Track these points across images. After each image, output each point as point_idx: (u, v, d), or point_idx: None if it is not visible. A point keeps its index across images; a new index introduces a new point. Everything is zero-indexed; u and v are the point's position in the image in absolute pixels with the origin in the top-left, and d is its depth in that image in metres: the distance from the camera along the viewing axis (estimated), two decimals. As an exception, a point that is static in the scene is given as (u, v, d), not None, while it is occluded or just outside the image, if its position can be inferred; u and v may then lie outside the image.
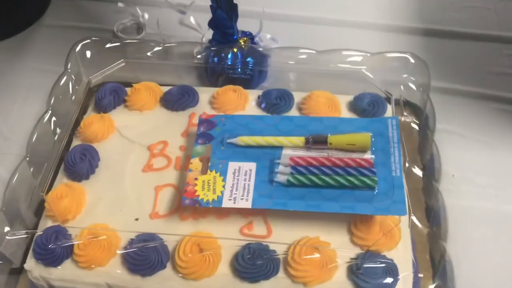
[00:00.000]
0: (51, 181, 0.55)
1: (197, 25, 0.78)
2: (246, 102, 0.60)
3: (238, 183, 0.50)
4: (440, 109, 0.60)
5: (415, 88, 0.60)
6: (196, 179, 0.51)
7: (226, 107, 0.60)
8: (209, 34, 0.71)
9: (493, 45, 0.75)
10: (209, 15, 0.65)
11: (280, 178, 0.50)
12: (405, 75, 0.60)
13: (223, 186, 0.50)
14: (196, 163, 0.53)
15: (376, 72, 0.59)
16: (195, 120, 0.59)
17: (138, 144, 0.58)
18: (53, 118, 0.60)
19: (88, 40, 0.65)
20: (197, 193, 0.50)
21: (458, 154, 0.62)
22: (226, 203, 0.49)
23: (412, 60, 0.60)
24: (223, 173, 0.51)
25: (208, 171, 0.51)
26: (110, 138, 0.59)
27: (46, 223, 0.53)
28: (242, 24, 0.68)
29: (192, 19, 0.78)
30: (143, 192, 0.54)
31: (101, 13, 0.84)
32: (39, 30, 0.83)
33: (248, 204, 0.49)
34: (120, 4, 0.83)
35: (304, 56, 0.61)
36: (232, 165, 0.52)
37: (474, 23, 0.77)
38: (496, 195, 0.60)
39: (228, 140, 0.54)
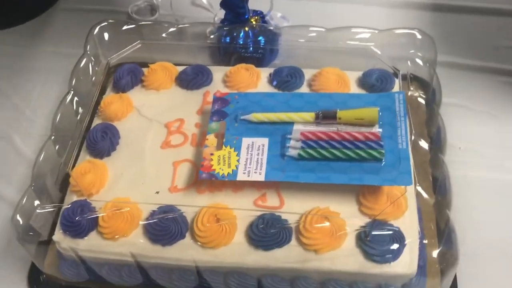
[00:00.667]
0: (75, 159, 0.58)
1: (209, 5, 0.80)
2: (258, 80, 0.63)
3: (251, 158, 0.53)
4: (447, 83, 0.62)
5: (422, 64, 0.62)
6: (212, 154, 0.54)
7: (239, 85, 0.62)
8: (221, 13, 0.73)
9: (500, 19, 0.76)
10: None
11: (292, 152, 0.53)
12: (412, 51, 0.62)
13: (238, 161, 0.53)
14: (211, 139, 0.55)
15: (384, 48, 0.61)
16: (210, 98, 0.61)
17: (156, 122, 0.61)
18: (75, 99, 0.63)
19: (105, 23, 0.67)
20: (213, 168, 0.53)
21: (465, 127, 0.64)
22: (241, 176, 0.52)
23: (419, 36, 0.62)
24: (237, 148, 0.54)
25: (223, 146, 0.54)
26: (129, 116, 0.62)
27: (71, 198, 0.56)
28: (253, 3, 0.70)
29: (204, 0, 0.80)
30: (162, 168, 0.57)
31: (116, -5, 0.86)
32: (56, 14, 0.86)
33: (261, 177, 0.52)
34: (134, -14, 0.86)
35: (314, 34, 0.63)
36: (246, 141, 0.54)
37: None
38: (501, 165, 0.62)
39: (242, 117, 0.56)
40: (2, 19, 0.82)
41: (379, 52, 0.61)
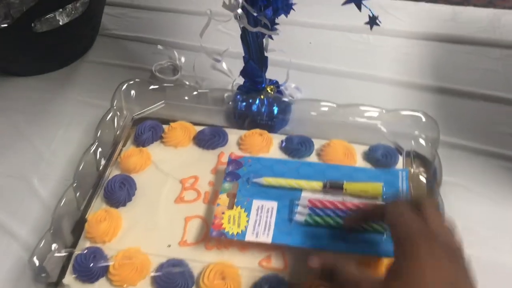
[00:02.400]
0: (92, 206, 0.61)
1: (228, 71, 0.85)
2: (270, 145, 0.67)
3: (260, 220, 0.56)
4: (447, 163, 0.65)
5: (424, 144, 0.66)
6: (223, 213, 0.57)
7: (252, 149, 0.66)
8: (239, 79, 0.78)
9: (500, 106, 0.81)
10: (239, 61, 0.72)
11: (299, 217, 0.56)
12: (416, 132, 0.66)
13: (247, 221, 0.56)
14: (223, 198, 0.59)
15: (390, 126, 0.65)
16: (224, 159, 0.65)
17: (172, 177, 0.64)
18: (99, 149, 0.66)
19: (133, 81, 0.72)
20: (223, 226, 0.56)
21: (463, 206, 0.67)
22: (249, 237, 0.55)
23: (423, 119, 0.66)
24: (248, 209, 0.57)
25: (234, 206, 0.57)
26: (146, 170, 0.65)
27: (85, 243, 0.59)
28: (271, 72, 0.75)
29: (224, 65, 0.85)
30: (174, 221, 0.60)
31: (141, 53, 0.92)
32: (83, 66, 0.91)
33: (268, 240, 0.55)
34: (159, 47, 0.91)
35: (325, 109, 0.68)
36: (256, 203, 0.58)
37: (483, 84, 0.83)
38: (495, 247, 0.64)
39: (254, 180, 0.60)
40: (32, 66, 0.87)
41: (385, 130, 0.65)
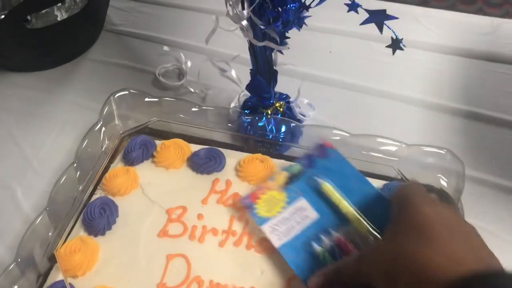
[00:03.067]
0: (68, 233, 0.55)
1: (237, 79, 0.78)
2: (272, 174, 0.59)
3: (289, 221, 0.52)
4: (472, 202, 0.57)
5: (446, 186, 0.57)
6: (268, 189, 0.54)
7: (250, 178, 0.59)
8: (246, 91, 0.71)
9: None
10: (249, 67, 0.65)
11: (316, 246, 0.50)
12: (439, 175, 0.58)
13: (278, 213, 0.52)
14: (282, 176, 0.56)
15: (409, 163, 0.57)
16: (218, 187, 0.58)
17: (158, 205, 0.58)
18: (81, 167, 0.60)
19: (127, 92, 0.65)
20: (257, 201, 0.53)
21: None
22: (265, 228, 0.52)
23: (448, 158, 0.58)
24: (290, 203, 0.53)
25: (283, 192, 0.54)
26: (132, 193, 0.59)
27: (57, 275, 0.53)
28: (282, 84, 0.67)
29: (233, 73, 0.78)
30: (154, 259, 0.53)
31: (146, 53, 0.85)
32: (84, 63, 0.85)
33: (277, 244, 0.51)
34: (165, 48, 0.85)
35: (337, 138, 0.60)
36: (301, 203, 0.53)
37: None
38: None
39: (315, 177, 0.55)
40: (31, 62, 0.81)
41: (402, 167, 0.57)
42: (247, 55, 0.62)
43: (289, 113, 0.69)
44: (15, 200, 0.68)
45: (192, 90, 0.79)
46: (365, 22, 0.48)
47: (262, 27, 0.54)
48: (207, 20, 0.68)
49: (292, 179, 0.56)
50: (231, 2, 0.53)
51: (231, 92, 0.78)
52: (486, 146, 0.70)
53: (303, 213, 0.52)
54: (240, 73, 0.78)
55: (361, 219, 0.51)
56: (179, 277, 0.52)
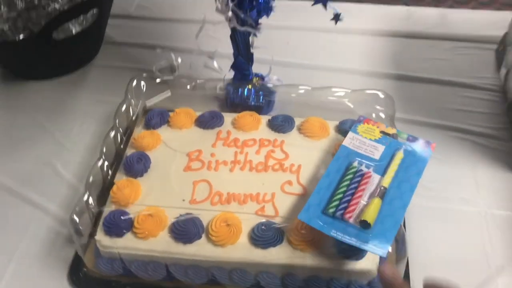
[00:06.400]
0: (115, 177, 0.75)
1: (218, 68, 0.99)
2: (259, 124, 0.80)
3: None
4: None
5: (383, 117, 0.81)
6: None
7: (245, 127, 0.80)
8: (228, 74, 0.92)
9: (449, 88, 0.96)
10: (227, 60, 0.87)
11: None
12: (377, 107, 0.81)
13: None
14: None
15: (355, 103, 0.81)
16: (222, 136, 0.79)
17: (179, 152, 0.77)
18: (118, 132, 0.80)
19: (142, 75, 0.86)
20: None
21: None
22: None
23: (381, 96, 0.81)
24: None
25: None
26: (158, 148, 0.78)
27: (111, 206, 0.71)
28: (256, 68, 0.90)
29: (215, 63, 0.99)
30: (184, 185, 0.73)
31: (142, 56, 1.06)
32: (92, 69, 1.05)
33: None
34: (158, 50, 1.05)
35: (302, 91, 0.82)
36: None
37: (434, 71, 0.99)
38: (444, 197, 0.79)
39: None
40: (50, 71, 1.00)
41: (352, 106, 0.80)
42: (223, 50, 0.84)
43: (264, 84, 0.92)
44: (56, 172, 0.86)
45: (184, 80, 0.99)
46: (315, 3, 0.72)
47: (242, 15, 0.76)
48: (189, 27, 0.88)
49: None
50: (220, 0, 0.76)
51: (216, 81, 0.99)
52: (412, 97, 0.94)
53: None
54: (220, 64, 0.99)
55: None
56: (204, 194, 0.72)
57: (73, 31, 0.96)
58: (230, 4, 0.75)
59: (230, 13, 0.76)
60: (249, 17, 0.77)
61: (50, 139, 0.92)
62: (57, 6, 0.96)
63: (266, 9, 0.77)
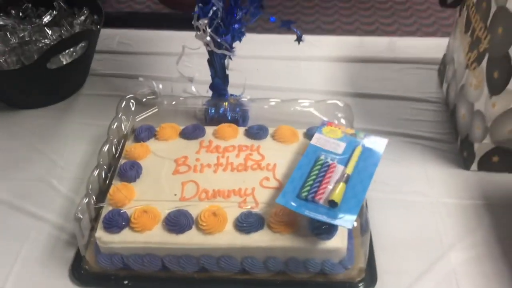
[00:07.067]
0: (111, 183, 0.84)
1: (196, 92, 1.10)
2: (237, 133, 0.91)
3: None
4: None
5: (344, 122, 0.93)
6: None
7: (224, 136, 0.91)
8: (207, 95, 1.03)
9: (400, 102, 1.11)
10: (203, 86, 0.99)
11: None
12: (338, 114, 0.93)
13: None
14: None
15: (320, 112, 0.93)
16: (204, 144, 0.89)
17: (168, 159, 0.87)
18: (113, 144, 0.90)
19: (131, 95, 0.97)
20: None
21: (378, 168, 0.93)
22: None
23: (341, 104, 0.94)
24: None
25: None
26: (147, 157, 0.88)
27: (108, 208, 0.80)
28: (230, 90, 1.01)
29: (193, 88, 1.11)
30: (174, 186, 0.82)
31: (126, 85, 1.16)
32: (80, 98, 1.14)
33: None
34: (140, 79, 1.15)
35: (273, 103, 0.95)
36: None
37: (387, 89, 1.14)
38: (400, 191, 0.92)
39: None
40: (40, 100, 1.09)
41: (317, 114, 0.93)
42: (200, 78, 0.97)
43: (239, 101, 1.03)
44: (52, 187, 0.94)
45: (165, 102, 1.10)
46: (281, 26, 0.85)
47: (218, 40, 0.89)
48: (165, 58, 0.99)
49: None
50: (199, 26, 0.88)
51: (196, 98, 1.09)
52: (368, 110, 1.08)
53: None
54: (198, 89, 1.11)
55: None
56: (192, 192, 0.81)
57: (64, 62, 1.05)
58: (208, 30, 0.87)
59: (208, 38, 0.88)
60: (225, 41, 0.89)
61: (44, 159, 0.99)
62: (47, 41, 1.07)
63: (239, 34, 0.90)
